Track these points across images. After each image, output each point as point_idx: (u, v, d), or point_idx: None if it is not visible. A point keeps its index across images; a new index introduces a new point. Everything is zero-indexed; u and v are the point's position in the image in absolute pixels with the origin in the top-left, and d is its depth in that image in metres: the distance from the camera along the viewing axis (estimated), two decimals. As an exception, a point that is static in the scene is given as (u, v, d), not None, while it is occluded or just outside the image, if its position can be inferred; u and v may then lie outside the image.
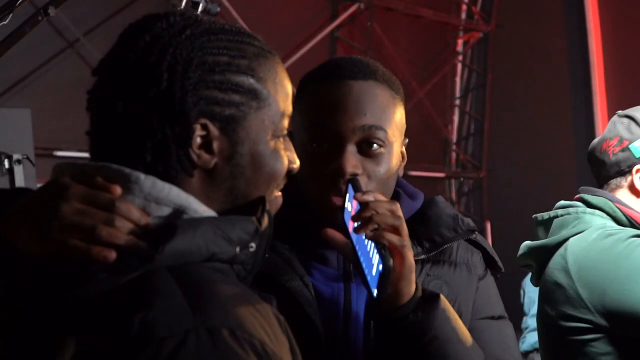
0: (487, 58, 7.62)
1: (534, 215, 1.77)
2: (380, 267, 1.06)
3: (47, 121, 4.66)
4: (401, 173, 1.28)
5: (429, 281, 1.22)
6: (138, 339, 0.77)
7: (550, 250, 1.63)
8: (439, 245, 1.24)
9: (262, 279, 1.09)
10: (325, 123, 1.19)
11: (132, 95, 0.88)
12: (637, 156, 1.67)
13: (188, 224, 0.85)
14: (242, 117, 0.90)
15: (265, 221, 0.91)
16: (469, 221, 1.28)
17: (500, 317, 1.29)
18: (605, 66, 6.67)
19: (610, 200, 1.67)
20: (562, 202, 1.72)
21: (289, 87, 0.95)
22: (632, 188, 1.68)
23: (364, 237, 1.09)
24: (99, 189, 0.86)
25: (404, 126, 1.26)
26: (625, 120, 1.70)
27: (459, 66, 7.72)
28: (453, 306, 1.19)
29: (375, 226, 1.07)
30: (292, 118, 1.23)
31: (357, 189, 1.12)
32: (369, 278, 1.08)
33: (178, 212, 0.88)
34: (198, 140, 0.88)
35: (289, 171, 0.98)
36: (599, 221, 1.63)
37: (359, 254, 1.09)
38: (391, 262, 1.05)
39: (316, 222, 1.19)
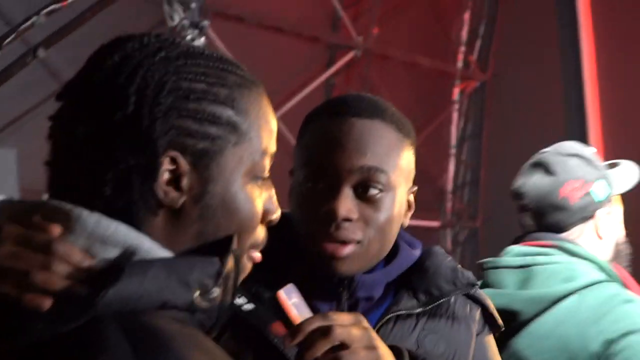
0: (484, 106, 7.65)
1: (486, 260, 1.71)
2: None
3: (37, 163, 4.65)
4: (406, 223, 1.21)
5: (424, 336, 1.16)
6: None
7: (553, 301, 1.57)
8: (437, 298, 1.17)
9: (246, 331, 1.03)
10: (322, 161, 1.12)
11: (96, 119, 0.79)
12: (597, 200, 1.65)
13: (137, 266, 0.76)
14: (217, 152, 0.82)
15: (230, 263, 0.81)
16: (469, 274, 1.22)
17: None
18: (602, 116, 6.73)
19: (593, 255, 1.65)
20: (525, 249, 1.66)
21: (273, 124, 0.89)
22: (596, 233, 1.68)
23: None
24: (37, 229, 0.78)
25: (412, 172, 1.19)
26: (574, 160, 1.65)
27: (455, 115, 7.74)
28: None
29: None
30: (294, 156, 1.16)
31: (287, 292, 1.01)
32: None
33: (127, 253, 0.78)
34: (166, 175, 0.80)
35: (269, 222, 0.89)
36: (596, 274, 1.61)
37: None
38: None
39: (310, 268, 1.13)
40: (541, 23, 6.71)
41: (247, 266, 0.89)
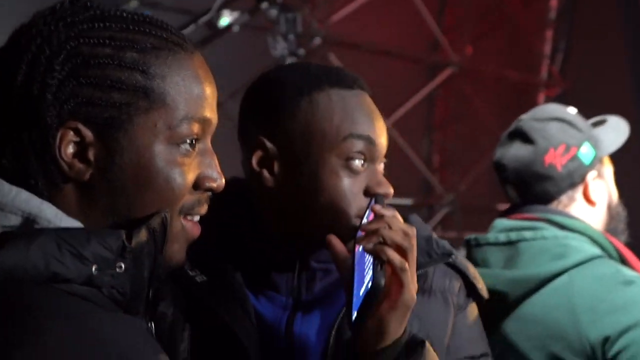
0: None
1: (472, 237, 1.55)
2: (369, 284, 0.89)
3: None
4: None
5: None
6: None
7: (540, 283, 1.43)
8: None
9: (195, 304, 0.95)
10: (366, 135, 1.07)
11: None
12: (587, 164, 1.51)
13: (23, 236, 0.69)
14: (126, 120, 0.75)
15: (142, 236, 0.73)
16: (444, 243, 1.13)
17: (482, 355, 1.14)
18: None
19: (588, 226, 1.48)
20: (512, 223, 1.50)
21: (202, 88, 0.79)
22: (585, 197, 1.53)
23: (366, 252, 0.94)
24: None
25: None
26: (555, 124, 1.51)
27: None
28: None
29: (381, 239, 0.93)
30: (301, 125, 1.04)
31: (378, 202, 1.00)
32: (354, 299, 0.92)
33: (28, 221, 0.72)
34: (70, 147, 0.74)
35: (207, 189, 0.81)
36: (589, 249, 1.45)
37: (355, 269, 0.94)
38: (382, 281, 0.90)
39: (270, 242, 1.07)
40: (613, 38, 7.41)
41: (183, 235, 0.80)
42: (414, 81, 7.59)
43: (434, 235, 1.13)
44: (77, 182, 0.75)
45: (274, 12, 4.37)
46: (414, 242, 0.95)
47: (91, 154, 0.75)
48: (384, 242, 0.92)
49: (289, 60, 4.39)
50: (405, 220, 1.05)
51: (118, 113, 0.75)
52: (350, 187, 1.04)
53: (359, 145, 1.07)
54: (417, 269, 0.99)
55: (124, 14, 0.77)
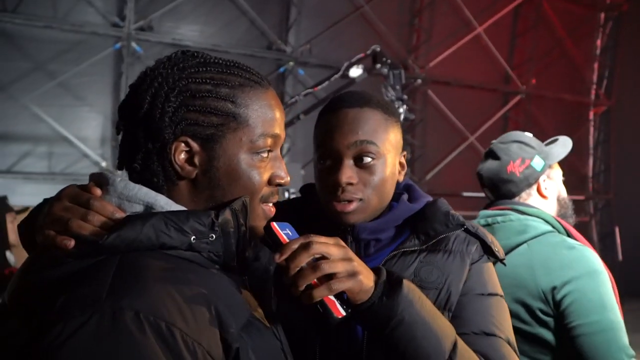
0: (610, 122, 9.72)
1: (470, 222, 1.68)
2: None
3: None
4: (401, 179, 1.34)
5: (421, 267, 1.25)
6: (54, 317, 0.77)
7: (509, 250, 1.70)
8: (433, 237, 1.26)
9: (279, 266, 1.01)
10: (326, 143, 1.25)
11: (128, 116, 0.94)
12: (539, 170, 1.80)
13: (140, 217, 0.87)
14: (221, 136, 0.93)
15: (227, 215, 0.91)
16: (459, 217, 1.29)
17: (491, 294, 1.26)
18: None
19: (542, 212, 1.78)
20: (489, 212, 1.83)
21: (273, 113, 0.97)
22: (539, 193, 1.83)
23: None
24: (85, 190, 0.91)
25: (400, 141, 1.32)
26: (515, 145, 1.82)
27: (592, 129, 9.84)
28: (443, 286, 1.23)
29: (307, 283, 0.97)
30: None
31: (275, 243, 1.00)
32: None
33: (147, 208, 0.90)
34: (183, 155, 0.92)
35: (277, 184, 1.00)
36: (543, 227, 1.74)
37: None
38: (334, 314, 0.97)
39: (327, 220, 1.26)
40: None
41: (263, 214, 0.99)
42: (491, 107, 8.88)
43: (452, 211, 1.30)
44: (187, 179, 0.94)
45: (385, 70, 5.12)
46: (343, 244, 1.02)
47: (197, 160, 0.93)
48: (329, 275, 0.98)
49: (397, 103, 5.05)
50: (433, 202, 1.31)
51: (215, 131, 0.93)
52: None
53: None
54: (439, 235, 1.26)
55: (221, 61, 0.96)
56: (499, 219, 1.80)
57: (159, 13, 6.65)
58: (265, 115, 0.96)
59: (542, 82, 9.05)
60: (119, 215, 0.88)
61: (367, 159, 1.24)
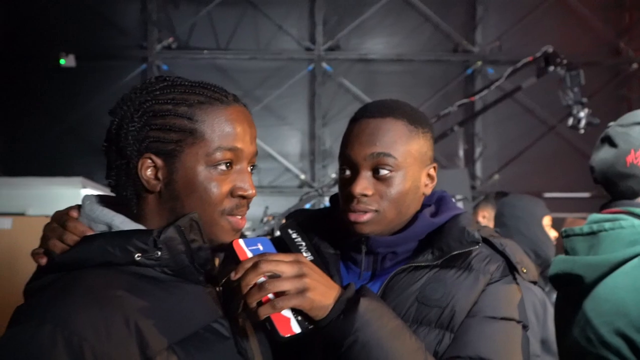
0: None
1: (563, 229, 1.60)
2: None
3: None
4: (427, 192, 1.32)
5: (428, 283, 1.24)
6: (10, 322, 0.91)
7: (612, 266, 1.42)
8: (446, 253, 1.25)
9: None
10: (346, 153, 1.28)
11: (105, 137, 1.04)
12: None
13: (92, 237, 0.99)
14: (180, 151, 1.01)
15: (170, 233, 0.99)
16: (474, 233, 1.27)
17: (504, 319, 1.21)
18: None
19: None
20: (599, 216, 1.55)
21: (233, 127, 1.03)
22: None
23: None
24: (66, 213, 1.05)
25: (426, 153, 1.30)
26: (638, 128, 1.52)
27: None
28: (447, 305, 1.20)
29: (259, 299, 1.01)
30: None
31: (235, 261, 1.05)
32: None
33: (109, 227, 1.01)
34: (149, 170, 1.02)
35: (240, 197, 1.05)
36: None
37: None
38: (278, 332, 1.00)
39: (348, 231, 1.29)
40: None
41: (230, 227, 1.04)
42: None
43: (468, 228, 1.27)
44: (154, 193, 1.03)
45: (561, 72, 4.69)
46: (303, 260, 1.06)
47: (160, 174, 1.02)
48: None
49: (577, 107, 4.67)
50: (456, 216, 1.31)
51: (175, 146, 1.01)
52: None
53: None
54: (452, 251, 1.25)
55: (185, 82, 1.05)
56: (607, 225, 1.50)
57: (345, 31, 7.22)
58: (222, 130, 1.03)
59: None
60: (90, 234, 1.01)
61: (384, 171, 1.26)
